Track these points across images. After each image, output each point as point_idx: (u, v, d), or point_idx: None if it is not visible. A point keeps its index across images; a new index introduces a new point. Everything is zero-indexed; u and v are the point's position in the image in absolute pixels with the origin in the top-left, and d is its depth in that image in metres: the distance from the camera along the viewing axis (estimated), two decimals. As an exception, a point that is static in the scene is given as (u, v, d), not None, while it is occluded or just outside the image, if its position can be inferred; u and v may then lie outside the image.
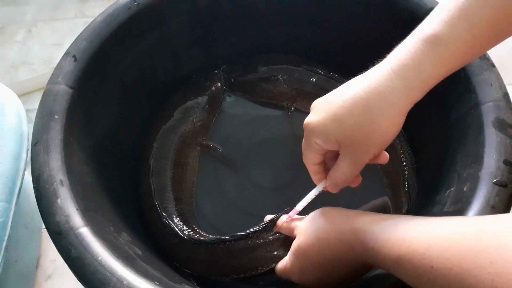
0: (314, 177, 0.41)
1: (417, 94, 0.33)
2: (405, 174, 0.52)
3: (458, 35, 0.31)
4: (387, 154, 0.39)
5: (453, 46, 0.31)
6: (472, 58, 0.33)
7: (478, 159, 0.38)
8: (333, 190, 0.40)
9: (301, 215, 0.42)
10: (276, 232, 0.44)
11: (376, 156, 0.36)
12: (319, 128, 0.36)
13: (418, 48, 0.32)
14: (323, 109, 0.36)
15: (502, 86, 0.41)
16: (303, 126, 0.38)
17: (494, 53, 0.44)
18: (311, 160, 0.39)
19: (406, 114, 0.34)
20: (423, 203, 0.45)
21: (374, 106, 0.33)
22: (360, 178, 0.40)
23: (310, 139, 0.37)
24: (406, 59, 0.32)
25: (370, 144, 0.34)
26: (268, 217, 0.46)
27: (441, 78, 0.33)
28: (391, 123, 0.33)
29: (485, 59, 0.43)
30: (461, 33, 0.31)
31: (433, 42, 0.31)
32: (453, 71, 0.33)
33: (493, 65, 0.43)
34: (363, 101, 0.33)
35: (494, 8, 0.30)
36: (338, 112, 0.34)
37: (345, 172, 0.37)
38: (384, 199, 0.52)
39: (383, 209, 0.51)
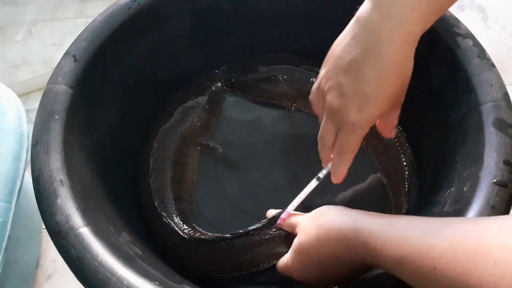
0: (327, 156, 0.41)
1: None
2: (405, 174, 0.52)
3: None
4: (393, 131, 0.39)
5: None
6: None
7: (478, 159, 0.38)
8: (337, 173, 0.39)
9: (302, 212, 0.43)
10: (277, 229, 0.44)
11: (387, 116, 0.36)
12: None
13: None
14: None
15: (502, 86, 0.41)
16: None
17: (494, 53, 0.44)
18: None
19: (410, 50, 0.33)
20: (423, 203, 0.45)
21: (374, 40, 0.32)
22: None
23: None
24: None
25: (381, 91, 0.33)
26: (270, 212, 0.46)
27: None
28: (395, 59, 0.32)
29: (485, 59, 0.43)
30: None
31: None
32: None
33: (493, 65, 0.43)
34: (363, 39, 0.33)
35: None
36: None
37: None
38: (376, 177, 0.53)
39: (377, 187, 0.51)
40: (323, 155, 0.41)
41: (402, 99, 0.36)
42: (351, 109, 0.34)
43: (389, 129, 0.40)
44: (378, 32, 0.32)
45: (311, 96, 0.42)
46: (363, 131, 0.35)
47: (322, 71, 0.38)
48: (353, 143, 0.36)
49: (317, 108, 0.41)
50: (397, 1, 0.31)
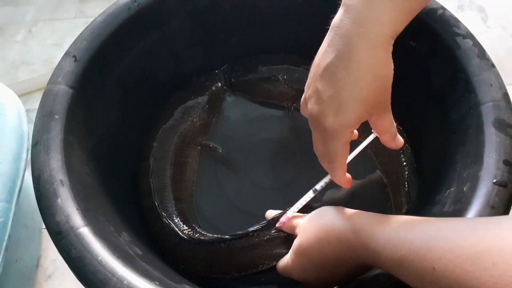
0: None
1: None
2: (405, 174, 0.52)
3: None
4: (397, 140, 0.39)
5: None
6: None
7: (478, 159, 0.38)
8: (337, 181, 0.39)
9: (302, 213, 0.43)
10: (277, 230, 0.44)
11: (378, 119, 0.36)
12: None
13: None
14: None
15: (502, 86, 0.41)
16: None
17: (493, 53, 0.44)
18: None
19: (386, 51, 0.32)
20: (423, 203, 0.45)
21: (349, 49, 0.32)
22: (351, 178, 0.41)
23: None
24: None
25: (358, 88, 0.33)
26: (270, 213, 0.46)
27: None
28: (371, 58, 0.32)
29: (485, 59, 0.43)
30: None
31: None
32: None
33: (493, 65, 0.43)
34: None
35: None
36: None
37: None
38: (377, 177, 0.53)
39: (377, 188, 0.52)
40: (323, 166, 0.41)
41: (387, 102, 0.35)
42: (328, 114, 0.34)
43: (388, 138, 0.39)
44: (350, 37, 0.32)
45: (301, 110, 0.42)
46: (345, 136, 0.35)
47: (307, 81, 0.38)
48: (337, 149, 0.36)
49: (307, 116, 0.40)
50: (366, 6, 0.31)
